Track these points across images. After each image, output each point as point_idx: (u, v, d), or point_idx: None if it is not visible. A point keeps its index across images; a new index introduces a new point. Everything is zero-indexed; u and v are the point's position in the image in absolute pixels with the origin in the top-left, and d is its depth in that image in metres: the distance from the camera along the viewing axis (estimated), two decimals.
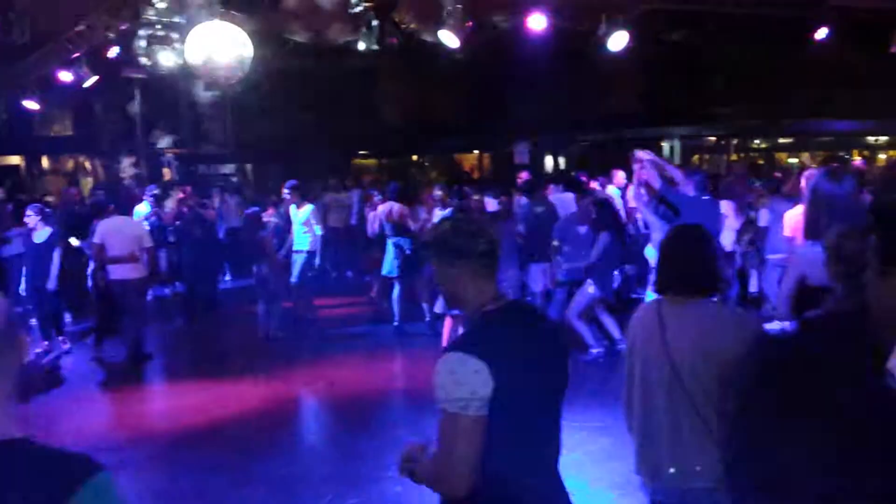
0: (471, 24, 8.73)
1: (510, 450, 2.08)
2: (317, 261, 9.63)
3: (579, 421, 5.34)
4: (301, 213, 9.41)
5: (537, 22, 9.17)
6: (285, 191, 9.52)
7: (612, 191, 10.49)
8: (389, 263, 9.02)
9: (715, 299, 2.89)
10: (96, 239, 7.92)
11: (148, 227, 9.34)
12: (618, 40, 9.56)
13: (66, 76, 11.12)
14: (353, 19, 8.44)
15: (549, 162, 20.74)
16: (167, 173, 16.46)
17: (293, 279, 9.37)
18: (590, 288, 7.37)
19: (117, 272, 7.87)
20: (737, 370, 0.96)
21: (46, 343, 7.43)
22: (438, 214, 9.09)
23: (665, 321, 2.73)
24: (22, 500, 1.25)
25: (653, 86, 17.53)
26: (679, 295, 2.76)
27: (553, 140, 19.74)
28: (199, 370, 8.42)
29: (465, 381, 1.98)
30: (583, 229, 7.76)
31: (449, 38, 8.65)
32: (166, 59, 8.81)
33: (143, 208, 10.92)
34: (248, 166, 20.54)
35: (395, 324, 9.07)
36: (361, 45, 8.78)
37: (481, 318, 2.17)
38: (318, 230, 9.50)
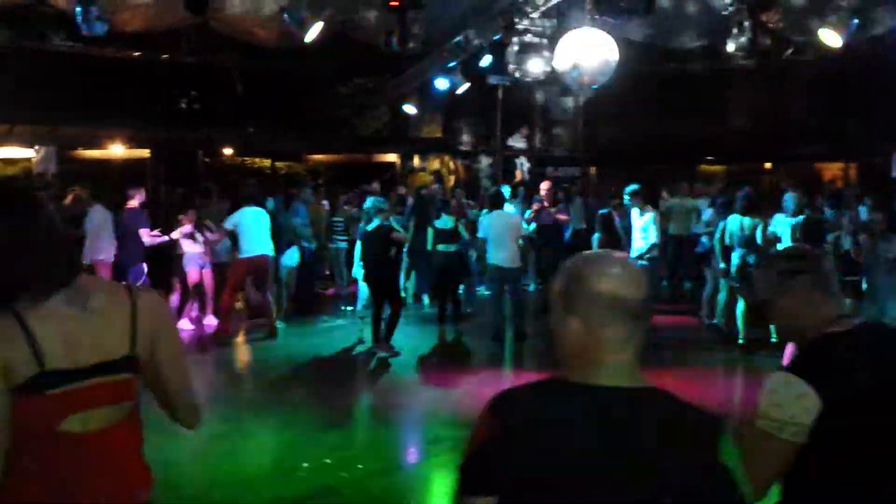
0: (856, 21, 7.96)
1: (834, 487, 1.92)
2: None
3: None
4: (643, 220, 9.36)
5: None
6: (626, 196, 9.57)
7: None
8: (734, 275, 8.59)
9: None
10: (481, 233, 9.06)
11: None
12: None
13: (442, 83, 12.39)
14: (722, 21, 8.18)
15: None
16: (518, 174, 17.41)
17: None
18: None
19: (498, 258, 8.85)
20: None
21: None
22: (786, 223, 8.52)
23: None
24: (690, 437, 1.48)
25: None
26: None
27: None
28: (540, 365, 8.89)
29: (785, 404, 1.88)
30: None
31: (831, 38, 7.97)
32: (534, 65, 9.34)
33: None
34: (593, 169, 20.90)
35: (740, 341, 8.61)
36: (730, 47, 8.47)
37: (819, 341, 2.00)
38: (655, 237, 9.39)
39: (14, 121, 15.11)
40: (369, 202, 8.83)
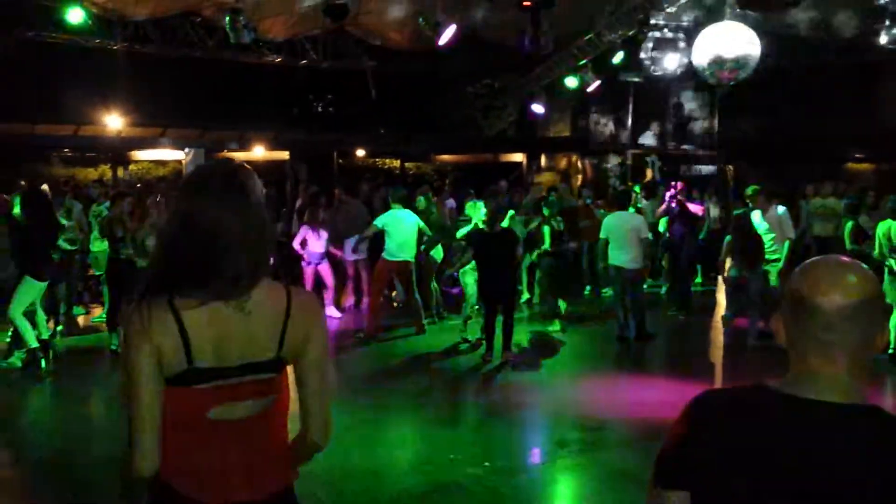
0: None
1: None
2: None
3: None
4: (771, 219, 8.87)
5: None
6: (747, 195, 9.13)
7: None
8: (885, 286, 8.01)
9: None
10: (603, 234, 8.94)
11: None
12: None
13: (571, 82, 12.23)
14: (875, 11, 7.66)
15: None
16: (649, 173, 16.98)
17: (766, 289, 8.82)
18: None
19: (618, 259, 8.80)
20: None
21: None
22: None
23: None
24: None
25: None
26: None
27: None
28: (666, 367, 8.71)
29: None
30: None
31: None
32: (670, 61, 9.07)
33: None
34: (729, 167, 20.09)
35: (890, 351, 8.04)
36: (883, 39, 7.92)
37: None
38: (789, 236, 8.88)
39: (166, 125, 16.21)
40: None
